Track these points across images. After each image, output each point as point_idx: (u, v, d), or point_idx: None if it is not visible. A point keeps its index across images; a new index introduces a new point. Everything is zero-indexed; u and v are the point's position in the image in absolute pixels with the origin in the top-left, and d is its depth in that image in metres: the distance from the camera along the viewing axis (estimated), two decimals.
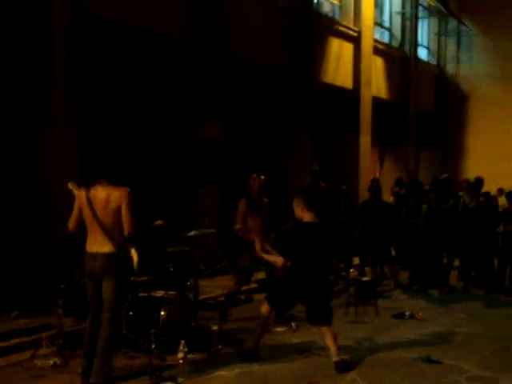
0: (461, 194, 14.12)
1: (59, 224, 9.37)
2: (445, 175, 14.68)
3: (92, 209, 6.18)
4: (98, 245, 6.20)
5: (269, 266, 9.55)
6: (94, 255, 6.22)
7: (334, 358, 7.06)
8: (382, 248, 11.96)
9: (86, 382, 6.18)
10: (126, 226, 6.20)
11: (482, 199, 12.19)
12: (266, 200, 9.55)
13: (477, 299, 11.17)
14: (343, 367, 6.98)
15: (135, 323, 7.32)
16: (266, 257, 7.67)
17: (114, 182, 6.28)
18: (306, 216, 7.24)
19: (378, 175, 21.10)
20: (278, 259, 7.42)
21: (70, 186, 6.63)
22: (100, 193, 6.24)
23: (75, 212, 6.39)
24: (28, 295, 8.83)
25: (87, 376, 6.16)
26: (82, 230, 6.46)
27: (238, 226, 9.05)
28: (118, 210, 6.18)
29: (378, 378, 6.77)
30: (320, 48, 16.98)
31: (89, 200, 6.22)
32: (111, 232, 6.17)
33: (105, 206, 6.18)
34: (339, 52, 18.04)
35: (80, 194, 6.35)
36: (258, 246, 7.75)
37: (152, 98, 12.46)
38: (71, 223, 6.40)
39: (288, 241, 7.38)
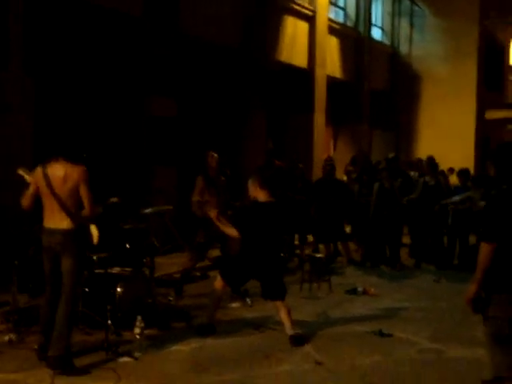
0: (412, 173, 14.43)
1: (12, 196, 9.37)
2: (392, 154, 14.90)
3: (49, 185, 6.14)
4: (57, 220, 6.18)
5: (223, 243, 9.66)
6: (52, 231, 6.19)
7: (289, 332, 7.19)
8: (336, 225, 12.14)
9: (42, 356, 6.19)
10: (87, 206, 6.19)
11: (440, 178, 12.51)
12: (223, 178, 9.61)
13: (427, 275, 11.45)
14: (297, 341, 7.11)
15: (91, 300, 7.33)
16: (223, 227, 7.73)
17: (71, 158, 6.25)
18: (260, 195, 7.39)
19: (331, 154, 21.28)
20: (233, 231, 7.50)
21: (21, 171, 6.56)
22: (57, 170, 6.18)
23: (31, 189, 6.34)
24: None
25: (44, 351, 6.17)
26: (36, 206, 6.43)
27: (195, 198, 9.11)
28: (75, 188, 6.15)
29: (331, 350, 6.92)
30: (275, 27, 16.97)
31: (46, 176, 6.17)
32: (69, 208, 6.15)
33: (62, 183, 6.15)
34: (294, 31, 18.07)
35: (36, 171, 6.30)
36: (214, 216, 7.79)
37: (107, 75, 12.32)
38: (26, 200, 6.34)
39: (242, 218, 7.50)
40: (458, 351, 7.01)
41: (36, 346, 6.40)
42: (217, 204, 8.99)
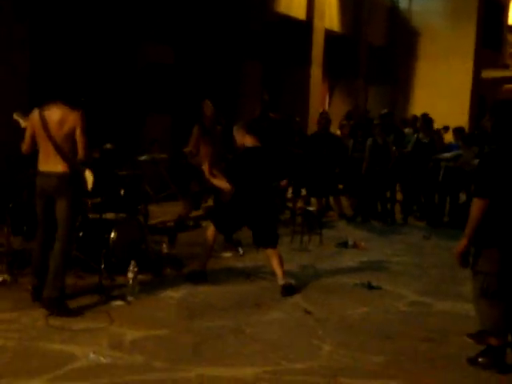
0: (406, 130, 14.43)
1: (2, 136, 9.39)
2: (385, 110, 14.88)
3: (46, 128, 6.13)
4: (52, 164, 6.18)
5: (217, 193, 9.69)
6: (47, 174, 6.20)
7: (280, 282, 7.28)
8: (328, 180, 12.19)
9: (36, 297, 6.27)
10: (81, 150, 6.18)
11: (435, 136, 12.55)
12: (218, 127, 9.60)
13: (417, 231, 11.57)
14: (288, 290, 7.21)
15: (85, 244, 7.40)
16: (215, 181, 7.77)
17: (69, 102, 6.23)
18: (248, 141, 7.43)
19: (327, 108, 21.24)
20: (225, 184, 7.54)
21: (16, 116, 6.56)
22: (54, 113, 6.17)
23: (28, 133, 6.33)
24: None
25: (38, 292, 6.25)
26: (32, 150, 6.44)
27: (188, 149, 9.12)
28: (72, 132, 6.14)
29: (320, 301, 7.03)
30: None
31: (43, 119, 6.16)
32: (65, 152, 6.14)
33: (59, 127, 6.13)
34: None
35: (33, 114, 6.28)
36: (206, 170, 7.86)
37: (102, 20, 12.19)
38: (25, 145, 6.36)
39: (233, 166, 7.55)
40: (446, 305, 7.13)
41: (30, 287, 6.48)
42: (212, 154, 9.00)
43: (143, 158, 8.62)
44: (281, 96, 18.10)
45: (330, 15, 19.96)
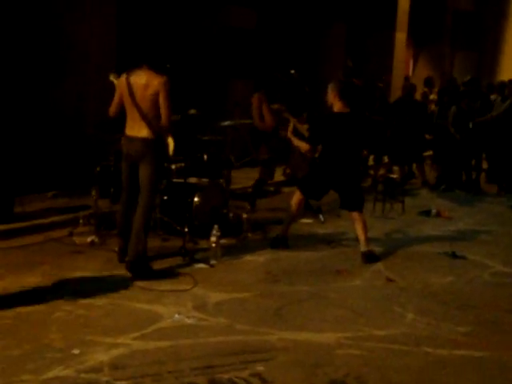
0: (493, 96, 13.98)
1: (92, 100, 9.60)
2: (468, 77, 14.46)
3: (131, 94, 6.22)
4: (137, 129, 6.27)
5: (286, 159, 9.57)
6: (132, 139, 6.31)
7: (362, 248, 7.24)
8: (412, 147, 11.98)
9: (122, 259, 6.44)
10: (164, 116, 6.23)
11: None
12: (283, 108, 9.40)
13: (503, 201, 11.26)
14: (370, 258, 7.17)
15: (169, 208, 7.55)
16: (295, 141, 7.76)
17: (155, 67, 6.29)
18: (337, 104, 7.28)
19: (411, 74, 20.81)
20: (303, 144, 7.49)
21: (112, 77, 6.73)
22: (140, 78, 6.24)
23: (116, 97, 6.46)
24: (65, 176, 9.08)
25: (124, 254, 6.41)
26: (120, 114, 6.56)
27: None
28: (156, 97, 6.19)
29: (402, 269, 6.96)
30: None
31: (129, 85, 6.24)
32: (149, 117, 6.21)
33: (144, 92, 6.20)
34: None
35: (120, 79, 6.40)
36: (290, 127, 7.94)
37: None
38: (112, 108, 6.50)
39: (317, 128, 7.49)
40: None
41: (116, 249, 6.66)
42: (276, 117, 8.96)
43: (226, 123, 8.68)
44: (364, 61, 17.81)
45: None
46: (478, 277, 6.87)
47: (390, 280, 6.56)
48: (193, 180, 7.90)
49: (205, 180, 7.99)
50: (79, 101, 9.75)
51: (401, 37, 18.73)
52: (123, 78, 6.36)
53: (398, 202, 10.03)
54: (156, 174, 6.39)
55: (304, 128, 8.61)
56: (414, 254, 7.64)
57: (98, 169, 7.68)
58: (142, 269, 6.22)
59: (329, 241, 7.97)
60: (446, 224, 9.28)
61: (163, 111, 6.23)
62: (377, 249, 7.54)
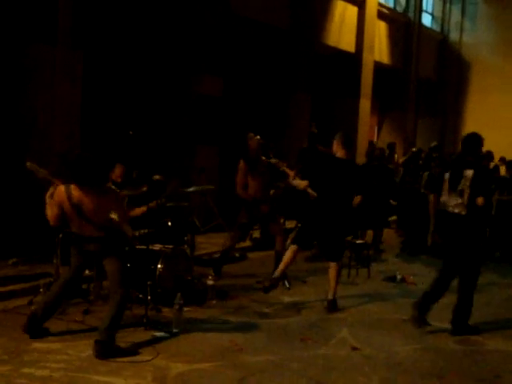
0: None
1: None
2: (434, 143, 14.74)
3: (80, 214, 5.94)
4: (90, 231, 6.03)
5: (264, 225, 9.66)
6: (87, 239, 6.07)
7: (329, 296, 7.70)
8: (377, 212, 12.04)
9: (31, 328, 6.18)
10: (121, 221, 6.03)
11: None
12: (263, 158, 9.54)
13: None
14: (332, 307, 7.69)
15: (132, 275, 7.39)
16: (294, 182, 8.20)
17: (97, 184, 6.05)
18: (339, 152, 7.81)
19: (375, 140, 21.13)
20: (301, 182, 7.98)
21: (30, 166, 6.32)
22: (87, 200, 5.96)
23: (57, 210, 6.05)
24: (25, 244, 8.92)
25: (36, 323, 6.19)
26: None
27: (239, 191, 9.02)
28: (109, 209, 5.94)
29: (368, 337, 6.89)
30: (324, 10, 16.90)
31: (72, 203, 5.96)
32: (103, 225, 5.99)
33: (95, 212, 5.95)
34: (343, 15, 17.95)
35: (61, 193, 6.04)
36: (291, 174, 8.31)
37: (154, 52, 12.40)
38: (54, 220, 6.13)
39: (316, 166, 8.08)
40: (498, 344, 6.93)
41: (76, 318, 6.49)
42: (261, 185, 8.99)
43: (191, 189, 8.67)
44: (329, 128, 18.05)
45: (379, 48, 19.98)
46: (443, 344, 6.83)
47: (354, 348, 6.49)
48: (156, 247, 7.81)
49: (169, 246, 7.91)
50: (42, 166, 9.65)
51: (365, 104, 19.10)
52: (62, 190, 6.02)
53: (364, 267, 10.02)
54: (123, 265, 6.22)
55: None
56: (380, 320, 7.59)
57: (59, 236, 7.55)
58: (109, 349, 5.89)
59: (293, 307, 7.89)
60: (411, 290, 9.26)
61: (120, 219, 5.99)
62: (342, 315, 7.53)
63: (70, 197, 5.97)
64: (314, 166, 8.20)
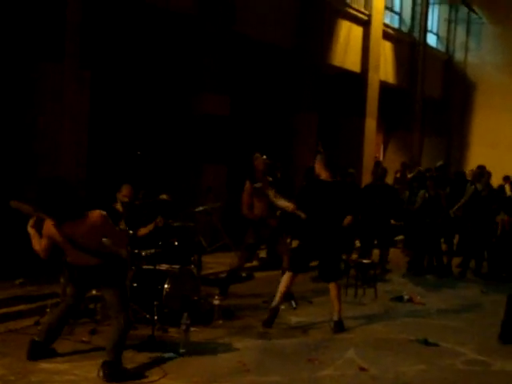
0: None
1: None
2: (440, 162, 14.78)
3: (75, 244, 5.86)
4: (86, 260, 5.98)
5: (271, 245, 9.66)
6: (82, 268, 6.04)
7: (334, 317, 7.68)
8: (381, 231, 12.06)
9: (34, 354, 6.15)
10: (119, 245, 6.09)
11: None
12: (270, 179, 9.55)
13: (474, 286, 11.29)
14: (339, 327, 7.66)
15: (139, 295, 7.42)
16: (279, 202, 8.17)
17: (80, 214, 5.89)
18: (323, 173, 7.78)
19: (381, 159, 21.16)
20: (289, 204, 7.96)
21: (14, 205, 6.21)
22: (78, 229, 5.83)
23: (46, 243, 5.95)
24: (33, 264, 8.92)
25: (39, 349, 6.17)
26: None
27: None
28: (102, 232, 5.93)
29: (375, 357, 6.87)
30: (329, 30, 16.99)
31: (64, 235, 5.84)
32: (98, 251, 5.96)
33: (89, 240, 5.88)
34: (348, 35, 18.05)
35: (50, 227, 5.90)
36: (271, 194, 8.14)
37: (162, 71, 12.47)
38: (44, 253, 6.02)
39: (303, 193, 7.95)
40: (506, 364, 6.90)
41: (84, 339, 6.49)
42: (267, 205, 8.98)
43: (199, 209, 8.69)
44: (335, 147, 18.11)
45: (385, 68, 20.06)
46: (451, 365, 6.81)
47: (362, 369, 6.47)
48: (163, 266, 7.82)
49: (175, 266, 7.92)
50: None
51: (370, 124, 19.16)
52: (50, 226, 5.87)
53: (370, 287, 10.01)
54: (122, 291, 6.14)
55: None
56: (387, 340, 7.57)
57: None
58: (116, 371, 5.84)
59: (301, 328, 7.87)
60: (418, 310, 9.24)
61: (116, 243, 6.03)
62: (349, 335, 7.52)
63: (59, 230, 5.84)
64: (302, 191, 8.15)
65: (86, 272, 6.05)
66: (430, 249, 12.09)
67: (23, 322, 7.36)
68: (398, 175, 15.77)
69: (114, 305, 6.09)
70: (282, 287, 7.91)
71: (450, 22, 25.03)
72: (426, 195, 12.02)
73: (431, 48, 23.50)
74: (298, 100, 15.86)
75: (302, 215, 7.77)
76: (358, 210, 10.26)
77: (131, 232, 7.61)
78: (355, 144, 18.73)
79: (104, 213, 5.94)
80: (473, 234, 12.14)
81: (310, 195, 7.78)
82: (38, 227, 6.03)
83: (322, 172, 7.80)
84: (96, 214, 5.89)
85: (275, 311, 7.84)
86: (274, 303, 7.86)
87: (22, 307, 7.71)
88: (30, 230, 6.02)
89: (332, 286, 7.79)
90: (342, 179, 12.65)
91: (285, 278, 7.94)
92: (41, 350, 6.17)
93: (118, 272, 6.22)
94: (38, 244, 5.98)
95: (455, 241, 12.82)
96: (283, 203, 8.15)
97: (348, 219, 7.87)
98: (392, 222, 12.41)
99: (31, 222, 6.04)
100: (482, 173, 12.94)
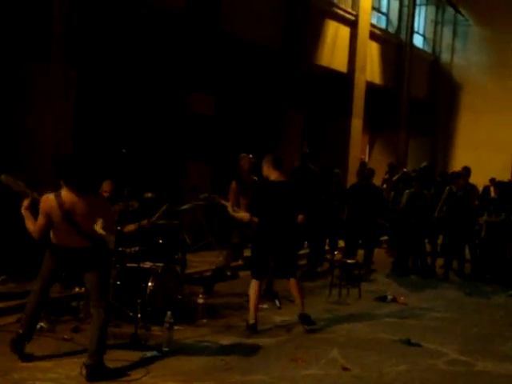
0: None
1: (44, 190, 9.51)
2: (425, 163, 14.84)
3: (71, 221, 5.85)
4: (75, 241, 5.96)
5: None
6: (70, 250, 5.99)
7: (300, 310, 7.68)
8: (367, 231, 12.09)
9: (18, 348, 6.09)
10: (108, 228, 6.04)
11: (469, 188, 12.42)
12: (255, 178, 9.54)
13: (458, 287, 11.34)
14: (306, 321, 7.65)
15: (122, 293, 7.39)
16: (236, 215, 8.17)
17: (95, 192, 6.06)
18: (272, 174, 7.71)
19: (366, 159, 21.21)
20: (244, 214, 8.01)
21: (5, 180, 6.02)
22: (80, 206, 5.87)
23: (43, 220, 5.91)
24: (14, 261, 8.87)
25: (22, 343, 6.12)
26: None
27: (230, 210, 8.99)
28: (99, 216, 5.97)
29: (358, 357, 6.87)
30: (316, 30, 16.99)
31: (64, 209, 5.84)
32: (89, 233, 5.96)
33: (85, 219, 5.89)
34: (335, 35, 18.06)
35: (50, 201, 5.90)
36: (229, 208, 8.16)
37: (146, 70, 12.43)
38: (39, 232, 5.96)
39: (255, 198, 7.87)
40: (488, 365, 6.92)
41: (66, 336, 6.45)
42: None
43: (184, 207, 8.66)
44: (321, 147, 18.13)
45: (371, 68, 20.09)
46: (433, 365, 6.82)
47: (345, 368, 6.47)
48: (147, 264, 7.79)
49: (159, 264, 7.89)
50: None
51: (356, 124, 19.19)
52: (51, 199, 5.88)
53: (354, 287, 10.02)
54: (104, 278, 6.13)
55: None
56: (370, 341, 7.58)
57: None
58: (99, 371, 5.80)
59: (284, 327, 7.87)
60: (401, 310, 9.27)
61: (108, 226, 6.02)
62: (333, 335, 7.52)
63: (61, 204, 5.85)
64: (253, 196, 8.00)
65: (71, 254, 6.01)
66: (415, 249, 12.14)
67: (5, 319, 7.29)
68: (387, 176, 15.80)
69: (95, 291, 6.03)
70: (252, 300, 7.63)
71: (436, 23, 25.12)
72: (412, 190, 12.06)
73: (418, 49, 23.56)
74: (283, 99, 15.84)
75: (256, 220, 7.76)
76: (311, 208, 10.20)
77: (118, 228, 7.55)
78: (341, 144, 18.75)
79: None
80: (454, 235, 12.17)
81: (262, 198, 7.68)
82: (32, 209, 6.02)
83: (270, 173, 7.70)
84: (101, 197, 6.19)
85: (254, 328, 7.51)
86: (252, 321, 7.56)
87: (3, 304, 7.65)
88: (24, 212, 6.00)
89: (292, 282, 7.76)
90: (292, 178, 12.72)
91: (252, 290, 7.65)
92: (23, 344, 6.08)
93: (103, 257, 6.21)
94: (33, 224, 5.96)
95: (439, 241, 12.84)
96: (239, 215, 8.17)
97: (301, 217, 7.81)
98: (379, 221, 12.42)
99: (26, 203, 6.01)
100: (459, 174, 13.01)
